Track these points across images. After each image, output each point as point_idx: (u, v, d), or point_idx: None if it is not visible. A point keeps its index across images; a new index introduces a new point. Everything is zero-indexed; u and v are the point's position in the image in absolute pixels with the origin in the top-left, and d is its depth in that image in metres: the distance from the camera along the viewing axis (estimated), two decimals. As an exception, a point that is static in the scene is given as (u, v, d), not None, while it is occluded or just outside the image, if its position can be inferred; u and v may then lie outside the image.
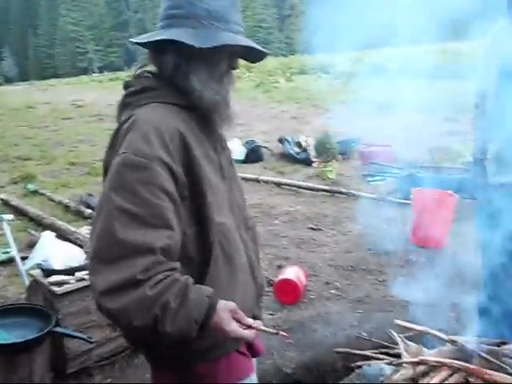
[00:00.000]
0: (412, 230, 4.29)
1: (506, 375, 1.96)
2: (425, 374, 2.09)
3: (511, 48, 2.23)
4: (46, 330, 2.39)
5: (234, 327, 1.16)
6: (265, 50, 1.37)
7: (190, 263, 1.25)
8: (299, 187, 5.97)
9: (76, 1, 65.40)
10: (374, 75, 4.42)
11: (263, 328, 1.24)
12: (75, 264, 2.73)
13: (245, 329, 1.19)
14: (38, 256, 2.81)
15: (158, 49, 1.29)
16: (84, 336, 2.48)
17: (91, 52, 63.97)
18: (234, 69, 1.34)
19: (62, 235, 3.89)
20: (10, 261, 3.75)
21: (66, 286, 2.59)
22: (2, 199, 5.66)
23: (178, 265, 1.18)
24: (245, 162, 7.45)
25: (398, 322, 2.40)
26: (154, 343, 1.24)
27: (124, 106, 1.32)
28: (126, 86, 1.35)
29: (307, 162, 7.08)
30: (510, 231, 2.23)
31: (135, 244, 1.10)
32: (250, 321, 1.20)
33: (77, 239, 3.74)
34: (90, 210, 4.92)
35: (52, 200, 5.70)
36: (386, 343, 2.55)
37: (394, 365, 2.22)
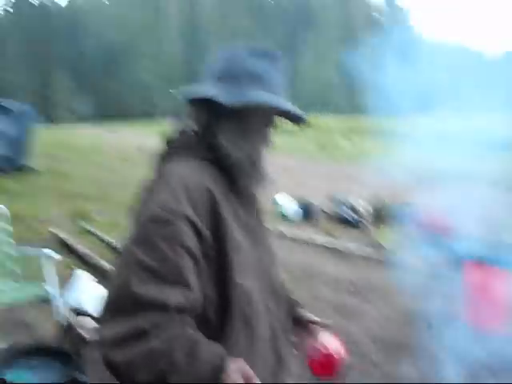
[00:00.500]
0: (465, 308, 4.01)
1: None
2: None
3: None
4: (68, 378, 2.36)
5: None
6: (300, 114, 1.32)
7: (209, 325, 1.18)
8: (347, 250, 5.81)
9: (155, 53, 69.46)
10: (438, 141, 4.31)
11: None
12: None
13: None
14: (72, 296, 2.82)
15: (194, 104, 1.30)
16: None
17: (162, 99, 67.33)
18: (269, 130, 1.31)
19: (105, 277, 3.91)
20: (47, 298, 3.80)
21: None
22: (53, 233, 5.85)
23: (191, 322, 1.12)
24: (297, 221, 7.38)
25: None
26: None
27: (161, 160, 1.32)
28: (166, 140, 1.36)
29: (359, 225, 6.92)
30: None
31: (149, 299, 1.06)
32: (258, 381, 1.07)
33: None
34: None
35: (102, 240, 5.82)
36: None
37: None
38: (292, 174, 12.54)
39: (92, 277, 3.13)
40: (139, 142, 16.99)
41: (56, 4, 78.21)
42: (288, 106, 1.28)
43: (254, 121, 1.28)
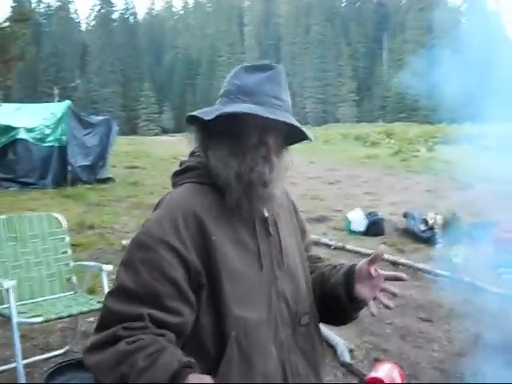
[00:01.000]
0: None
1: None
2: None
3: None
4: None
5: None
6: (291, 123, 1.22)
7: (207, 358, 1.12)
8: (417, 269, 5.48)
9: (232, 64, 70.92)
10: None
11: None
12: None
13: None
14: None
15: (193, 126, 1.31)
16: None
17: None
18: (265, 145, 1.22)
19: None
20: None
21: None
22: (124, 245, 6.01)
23: (170, 337, 1.09)
24: (365, 234, 7.11)
25: None
26: None
27: (172, 185, 1.34)
28: (180, 163, 1.37)
29: (431, 242, 6.52)
30: None
31: (126, 313, 1.10)
32: None
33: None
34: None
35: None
36: None
37: None
38: (366, 185, 12.20)
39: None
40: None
41: (134, 15, 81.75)
42: (271, 113, 1.18)
43: (244, 136, 1.22)
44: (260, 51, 77.05)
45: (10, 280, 2.92)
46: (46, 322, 2.87)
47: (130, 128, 60.55)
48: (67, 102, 10.99)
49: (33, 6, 63.97)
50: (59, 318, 2.94)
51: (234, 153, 1.21)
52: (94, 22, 79.24)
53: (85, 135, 10.98)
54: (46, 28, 74.14)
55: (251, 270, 1.20)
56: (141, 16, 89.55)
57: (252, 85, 1.22)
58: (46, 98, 46.03)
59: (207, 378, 0.99)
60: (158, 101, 70.08)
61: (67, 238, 3.41)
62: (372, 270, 1.23)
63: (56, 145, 10.42)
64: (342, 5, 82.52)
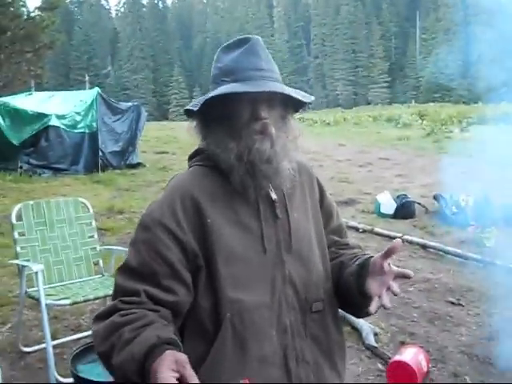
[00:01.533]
0: None
1: None
2: None
3: None
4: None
5: (166, 375, 0.91)
6: (275, 90, 1.19)
7: (207, 338, 1.14)
8: (447, 252, 5.37)
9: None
10: None
11: None
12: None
13: None
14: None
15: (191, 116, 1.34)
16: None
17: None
18: (258, 119, 1.20)
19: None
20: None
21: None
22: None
23: (161, 309, 1.12)
24: (394, 217, 7.00)
25: None
26: None
27: (188, 168, 1.36)
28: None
29: (463, 225, 6.37)
30: None
31: (126, 288, 1.16)
32: (195, 381, 0.93)
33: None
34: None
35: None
36: None
37: None
38: (397, 167, 12.00)
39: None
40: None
41: (163, 1, 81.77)
42: (252, 86, 1.17)
43: (235, 116, 1.21)
44: (289, 33, 76.21)
45: (39, 264, 3.01)
46: (74, 304, 2.94)
47: (161, 113, 61.05)
48: (97, 89, 11.13)
49: (64, -6, 64.72)
50: (86, 301, 3.01)
51: (231, 134, 1.21)
52: (123, 9, 79.75)
53: (114, 121, 11.12)
54: (77, 16, 75.08)
55: (252, 252, 1.19)
56: (170, 0, 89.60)
57: (231, 63, 1.23)
58: (78, 85, 46.76)
59: (183, 357, 0.96)
60: (188, 86, 70.27)
61: (94, 223, 3.46)
62: (385, 265, 1.17)
63: (87, 131, 10.59)
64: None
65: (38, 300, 2.88)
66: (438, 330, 3.69)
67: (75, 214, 3.38)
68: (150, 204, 1.26)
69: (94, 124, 10.59)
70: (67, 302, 2.89)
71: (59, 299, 2.93)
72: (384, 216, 7.04)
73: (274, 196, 1.27)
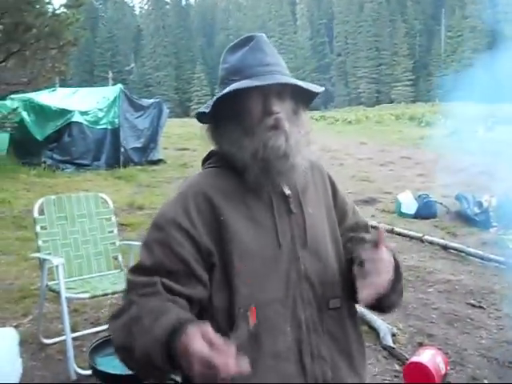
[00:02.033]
0: None
1: None
2: None
3: None
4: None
5: (198, 345, 0.91)
6: (282, 81, 1.19)
7: (220, 333, 1.10)
8: (468, 254, 5.28)
9: (284, 44, 70.18)
10: None
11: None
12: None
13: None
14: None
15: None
16: None
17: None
18: (271, 113, 1.20)
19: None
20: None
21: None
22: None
23: (179, 299, 1.12)
24: (415, 217, 6.93)
25: None
26: None
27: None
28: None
29: (485, 226, 6.27)
30: None
31: (140, 281, 1.16)
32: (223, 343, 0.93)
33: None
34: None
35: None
36: None
37: None
38: (419, 167, 11.86)
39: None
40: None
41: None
42: (258, 81, 1.17)
43: (247, 113, 1.21)
44: (312, 31, 75.79)
45: (60, 257, 3.06)
46: (93, 297, 2.99)
47: (183, 110, 61.36)
48: (119, 86, 11.25)
49: (89, -9, 65.46)
50: (105, 295, 3.05)
51: (244, 132, 1.20)
52: (147, 6, 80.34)
53: (136, 118, 11.23)
54: (101, 13, 75.93)
55: (267, 248, 1.19)
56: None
57: (237, 63, 1.23)
58: (102, 81, 47.31)
59: (206, 327, 0.96)
60: (210, 83, 70.45)
61: (114, 218, 3.50)
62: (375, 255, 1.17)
63: (109, 127, 10.72)
64: (398, -20, 79.60)
65: (58, 293, 2.93)
66: (457, 332, 3.63)
67: (95, 209, 3.42)
68: (161, 205, 1.27)
69: (116, 120, 10.71)
70: (86, 295, 2.93)
71: (79, 292, 2.97)
72: (405, 216, 6.97)
73: (287, 191, 1.26)
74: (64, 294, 2.87)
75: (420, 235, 5.84)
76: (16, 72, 9.41)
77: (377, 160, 12.96)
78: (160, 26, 74.11)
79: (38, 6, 8.65)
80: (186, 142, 15.84)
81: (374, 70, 69.06)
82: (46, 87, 11.40)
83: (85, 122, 10.39)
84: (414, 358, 2.98)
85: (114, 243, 3.44)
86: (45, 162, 9.92)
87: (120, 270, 3.42)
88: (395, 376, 3.01)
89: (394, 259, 1.24)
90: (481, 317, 3.90)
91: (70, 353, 2.86)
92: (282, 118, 1.20)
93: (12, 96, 9.78)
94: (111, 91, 11.29)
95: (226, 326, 1.15)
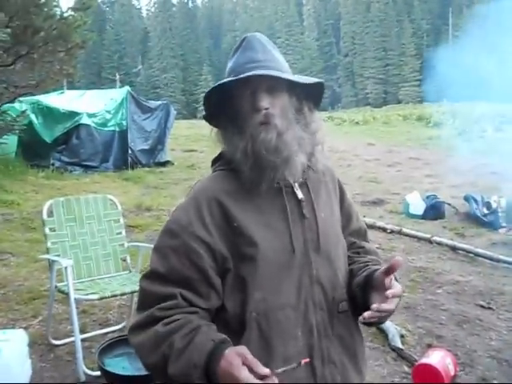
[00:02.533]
0: None
1: None
2: None
3: None
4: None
5: (245, 374, 0.96)
6: (263, 73, 1.19)
7: (232, 337, 1.12)
8: (477, 254, 5.26)
9: (290, 45, 70.14)
10: None
11: (282, 369, 1.02)
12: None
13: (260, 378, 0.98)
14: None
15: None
16: None
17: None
18: (259, 109, 1.19)
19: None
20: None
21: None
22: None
23: (199, 310, 1.14)
24: (423, 217, 6.90)
25: None
26: None
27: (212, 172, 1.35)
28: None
29: (494, 227, 6.24)
30: None
31: (159, 293, 1.16)
32: (265, 370, 0.98)
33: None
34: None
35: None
36: None
37: None
38: (427, 167, 11.81)
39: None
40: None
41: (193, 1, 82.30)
42: (238, 77, 1.19)
43: (238, 111, 1.22)
44: (319, 31, 75.70)
45: (69, 259, 3.07)
46: (102, 299, 2.99)
47: (190, 112, 61.44)
48: (127, 88, 11.29)
49: (96, -6, 65.73)
50: (113, 296, 3.05)
51: (236, 131, 1.22)
52: (154, 8, 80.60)
53: (144, 120, 11.25)
54: (109, 16, 76.25)
55: (281, 253, 1.18)
56: (199, 0, 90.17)
57: (232, 64, 1.26)
58: (109, 84, 47.50)
59: (242, 349, 1.01)
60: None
61: (122, 220, 3.51)
62: (386, 281, 1.16)
63: (117, 129, 10.75)
64: (405, -20, 79.32)
65: (67, 294, 2.94)
66: (466, 333, 3.61)
67: (104, 210, 3.44)
68: (173, 211, 1.27)
69: (124, 122, 10.74)
70: (95, 296, 2.94)
71: (88, 294, 2.98)
72: (413, 216, 6.95)
73: (300, 195, 1.26)
74: (73, 295, 2.88)
75: (428, 236, 5.81)
76: (24, 75, 9.44)
77: (384, 161, 12.92)
78: (167, 28, 74.32)
79: (46, 9, 8.69)
80: (194, 143, 15.85)
81: (381, 70, 68.82)
82: (54, 90, 11.45)
83: (93, 124, 10.43)
84: (423, 360, 2.96)
85: (122, 245, 3.45)
86: (53, 164, 9.96)
87: (128, 271, 3.43)
88: (404, 377, 3.00)
89: None
90: (490, 318, 3.87)
91: (79, 354, 2.87)
92: (273, 113, 1.20)
93: (20, 98, 9.83)
94: (119, 93, 11.32)
95: (237, 327, 1.16)
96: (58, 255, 3.13)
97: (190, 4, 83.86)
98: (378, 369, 3.06)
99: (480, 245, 5.62)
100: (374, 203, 7.93)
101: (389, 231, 6.17)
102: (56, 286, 3.09)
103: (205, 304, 1.16)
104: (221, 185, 1.23)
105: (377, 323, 1.24)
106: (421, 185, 9.16)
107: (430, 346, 3.35)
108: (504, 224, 6.22)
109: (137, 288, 2.99)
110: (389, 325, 3.46)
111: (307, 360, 1.06)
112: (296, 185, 1.26)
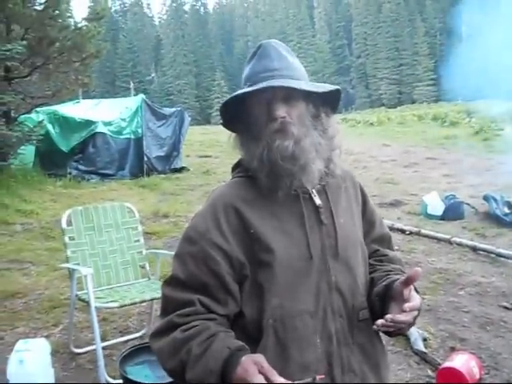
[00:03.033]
0: None
1: None
2: None
3: None
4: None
5: (260, 381, 0.97)
6: (278, 85, 1.18)
7: (249, 344, 1.12)
8: (499, 255, 5.17)
9: (303, 48, 70.10)
10: None
11: (298, 382, 1.01)
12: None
13: None
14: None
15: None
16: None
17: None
18: (275, 118, 1.19)
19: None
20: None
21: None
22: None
23: (217, 317, 1.15)
24: (442, 218, 6.81)
25: None
26: None
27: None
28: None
29: (515, 226, 6.13)
30: None
31: (179, 300, 1.18)
32: (280, 380, 0.98)
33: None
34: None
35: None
36: None
37: None
38: (444, 167, 11.68)
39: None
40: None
41: (205, 6, 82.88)
42: (258, 86, 1.18)
43: (254, 120, 1.22)
44: (330, 34, 75.62)
45: (88, 267, 3.09)
46: (122, 307, 3.00)
47: (204, 118, 61.71)
48: (141, 96, 11.37)
49: (109, 3, 66.62)
50: (133, 304, 3.06)
51: (253, 139, 1.22)
52: (166, 16, 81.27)
53: (159, 127, 11.32)
54: (121, 25, 77.06)
55: (298, 260, 1.18)
56: (211, 6, 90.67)
57: (248, 72, 1.26)
58: (124, 92, 47.94)
59: (259, 357, 1.01)
60: (230, 90, 70.71)
61: (140, 227, 3.52)
62: (405, 292, 1.14)
63: (132, 137, 10.83)
64: (417, -21, 78.82)
65: (87, 303, 2.95)
66: (490, 335, 3.55)
67: (122, 218, 3.45)
68: (192, 218, 1.28)
69: (139, 130, 10.82)
70: (115, 304, 2.95)
71: (108, 302, 2.99)
72: (431, 217, 6.86)
73: (318, 201, 1.25)
74: (93, 303, 2.90)
75: (448, 237, 5.74)
76: (40, 85, 9.59)
77: (401, 162, 12.81)
78: (179, 35, 74.85)
79: (60, 21, 8.82)
80: (208, 149, 15.90)
81: (394, 70, 68.43)
82: (70, 99, 11.58)
83: (108, 133, 10.52)
84: (447, 363, 2.91)
85: (140, 252, 3.46)
86: (70, 173, 10.06)
87: (147, 278, 3.44)
88: (428, 382, 2.96)
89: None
90: (515, 320, 3.80)
91: (101, 362, 2.88)
92: (289, 122, 1.19)
93: (37, 109, 9.96)
94: (133, 101, 11.42)
95: (254, 334, 1.15)
96: (78, 264, 3.15)
97: (202, 10, 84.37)
98: (401, 373, 3.02)
99: (502, 245, 5.52)
100: (391, 205, 7.86)
101: (407, 233, 6.11)
102: (76, 295, 3.11)
103: (223, 310, 1.16)
104: (238, 192, 1.24)
105: (396, 333, 1.21)
106: (438, 185, 9.06)
107: (453, 349, 3.30)
108: (525, 223, 6.11)
109: (156, 295, 3.02)
110: (411, 328, 3.41)
111: (322, 376, 1.04)
112: (314, 191, 1.26)
